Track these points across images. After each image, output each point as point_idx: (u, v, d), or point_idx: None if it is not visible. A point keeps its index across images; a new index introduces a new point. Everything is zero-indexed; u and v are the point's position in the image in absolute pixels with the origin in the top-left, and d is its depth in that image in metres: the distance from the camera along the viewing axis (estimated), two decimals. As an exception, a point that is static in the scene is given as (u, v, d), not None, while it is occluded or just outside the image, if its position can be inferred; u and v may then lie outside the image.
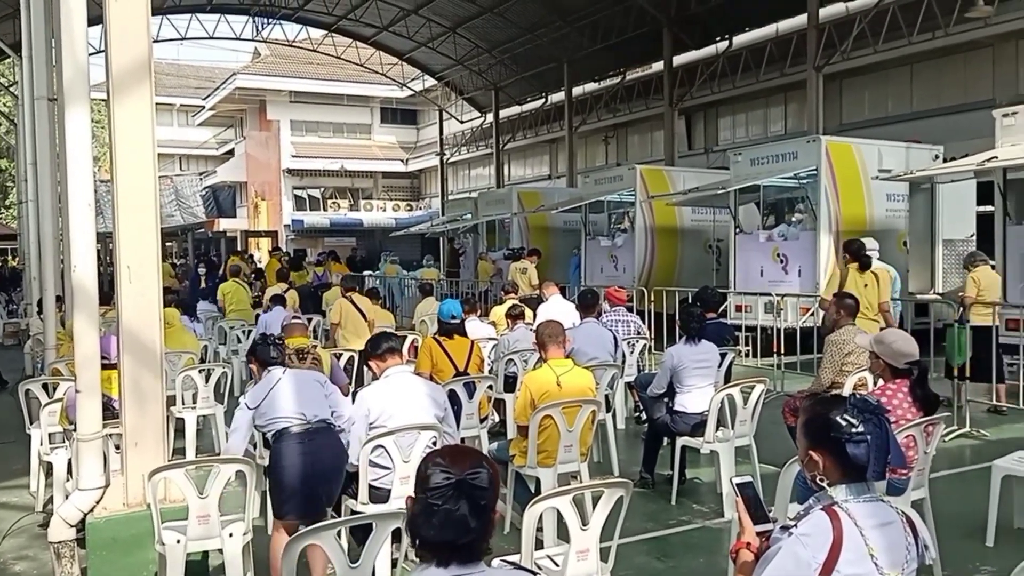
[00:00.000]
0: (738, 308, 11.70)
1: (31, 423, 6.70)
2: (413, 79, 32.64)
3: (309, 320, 10.16)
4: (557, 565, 3.57)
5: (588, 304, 7.80)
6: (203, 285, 16.96)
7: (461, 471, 1.92)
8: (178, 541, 4.02)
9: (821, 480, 2.32)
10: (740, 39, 21.18)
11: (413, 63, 29.58)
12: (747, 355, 10.89)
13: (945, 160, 12.08)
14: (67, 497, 4.82)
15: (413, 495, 1.98)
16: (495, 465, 2.03)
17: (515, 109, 29.47)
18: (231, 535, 4.13)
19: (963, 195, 11.63)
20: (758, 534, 2.47)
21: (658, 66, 22.54)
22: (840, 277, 8.57)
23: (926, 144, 12.74)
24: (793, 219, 12.52)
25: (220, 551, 4.20)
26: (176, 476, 4.15)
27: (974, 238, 11.71)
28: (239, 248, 31.95)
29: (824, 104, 17.62)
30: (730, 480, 2.56)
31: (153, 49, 4.61)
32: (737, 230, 12.87)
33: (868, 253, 8.30)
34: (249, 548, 4.28)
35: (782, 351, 10.25)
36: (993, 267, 9.28)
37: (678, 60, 21.76)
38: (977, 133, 12.19)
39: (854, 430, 2.26)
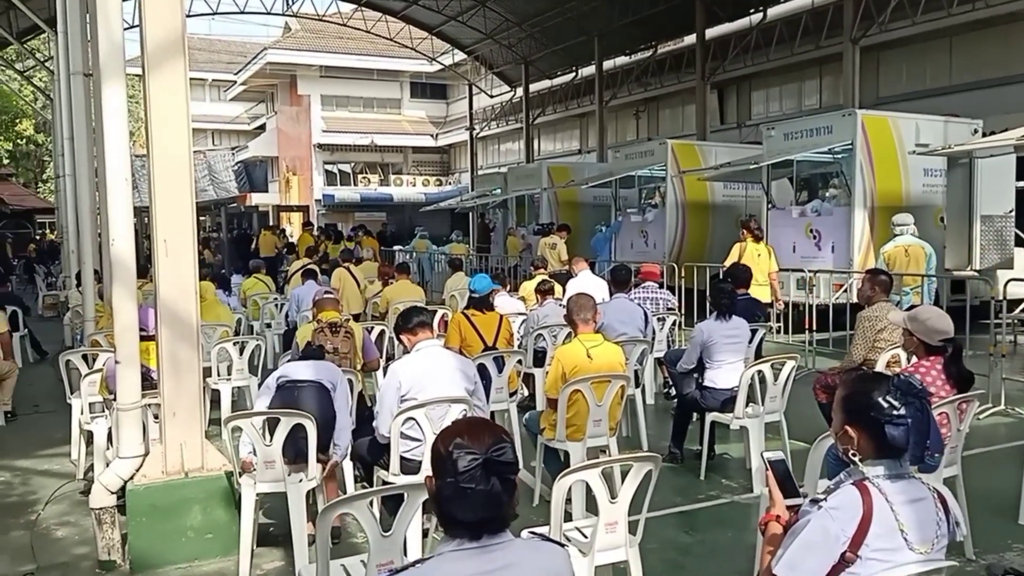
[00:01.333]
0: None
1: (71, 393, 6.85)
2: (443, 53, 32.54)
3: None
4: (586, 537, 3.60)
5: (621, 280, 7.80)
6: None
7: (485, 449, 1.92)
8: (253, 483, 4.48)
9: (854, 455, 2.32)
10: (774, 11, 20.82)
11: (443, 37, 29.46)
12: (778, 331, 10.81)
13: (984, 134, 11.83)
14: (108, 465, 4.94)
15: (434, 475, 1.97)
16: (508, 432, 2.04)
17: (545, 83, 29.29)
18: (300, 480, 4.49)
19: (1002, 170, 11.38)
20: (788, 508, 2.48)
21: (690, 39, 22.25)
22: (740, 250, 10.13)
23: (965, 118, 12.47)
24: (827, 194, 12.35)
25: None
26: (245, 425, 4.46)
27: (1013, 214, 11.48)
28: (271, 223, 32.15)
29: (860, 77, 17.32)
30: (761, 454, 2.57)
31: (186, 24, 4.65)
32: (770, 206, 12.73)
33: (899, 228, 8.40)
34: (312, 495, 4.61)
35: (814, 328, 10.16)
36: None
37: (711, 33, 21.45)
38: (1017, 107, 11.95)
39: (895, 412, 2.25)
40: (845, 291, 10.37)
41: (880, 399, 2.27)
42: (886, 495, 2.22)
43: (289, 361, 5.15)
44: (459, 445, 1.92)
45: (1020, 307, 9.28)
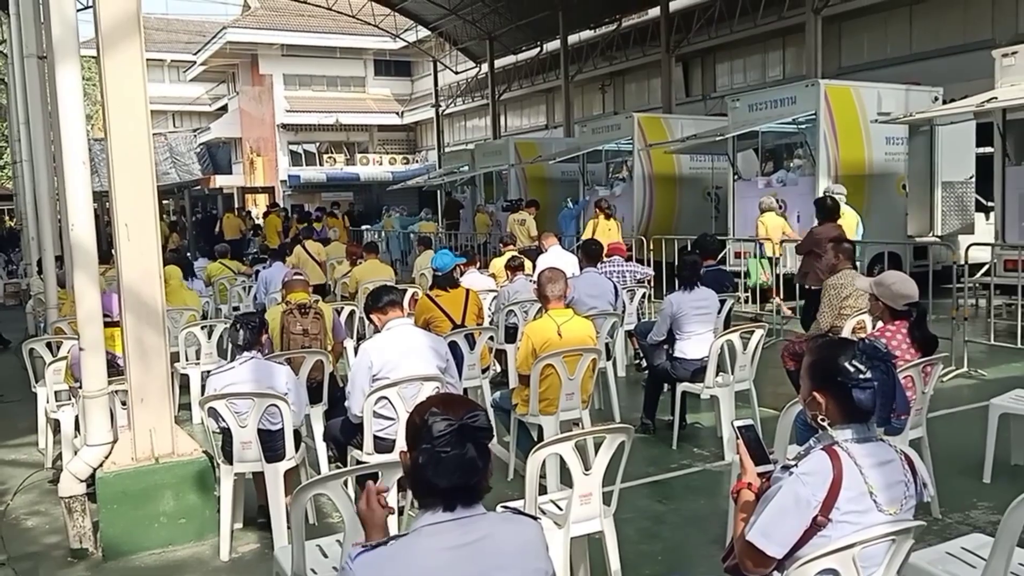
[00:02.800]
0: (737, 255, 11.70)
1: (36, 382, 6.75)
2: (406, 30, 32.15)
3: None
4: (560, 509, 3.63)
5: (592, 254, 7.82)
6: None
7: (460, 416, 1.95)
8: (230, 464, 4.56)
9: (822, 420, 2.35)
10: (738, -18, 20.80)
11: (405, 13, 29.09)
12: (746, 301, 10.92)
13: (945, 102, 11.98)
14: (76, 453, 4.88)
15: (408, 448, 2.00)
16: (481, 405, 2.07)
17: (510, 59, 29.10)
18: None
19: (962, 137, 11.55)
20: (759, 475, 2.51)
21: (654, 12, 22.18)
22: (593, 226, 12.26)
23: (925, 86, 12.61)
24: (792, 164, 12.46)
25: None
26: (220, 407, 4.45)
27: (973, 180, 11.67)
28: (236, 205, 31.76)
29: (823, 48, 17.38)
30: (731, 423, 2.59)
31: (141, 2, 4.54)
32: (736, 177, 12.81)
33: (836, 197, 8.80)
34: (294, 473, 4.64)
35: (781, 297, 10.29)
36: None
37: (674, 6, 21.40)
38: (977, 74, 12.07)
39: (862, 376, 2.28)
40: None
41: (846, 364, 2.30)
42: (855, 458, 2.25)
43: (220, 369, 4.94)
44: (434, 413, 1.95)
45: (981, 271, 9.46)
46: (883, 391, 2.28)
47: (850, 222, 9.28)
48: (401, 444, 4.46)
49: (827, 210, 8.40)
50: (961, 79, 13.77)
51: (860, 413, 2.30)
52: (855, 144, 11.76)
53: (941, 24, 17.66)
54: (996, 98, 9.14)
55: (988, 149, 10.52)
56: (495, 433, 5.97)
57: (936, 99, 12.27)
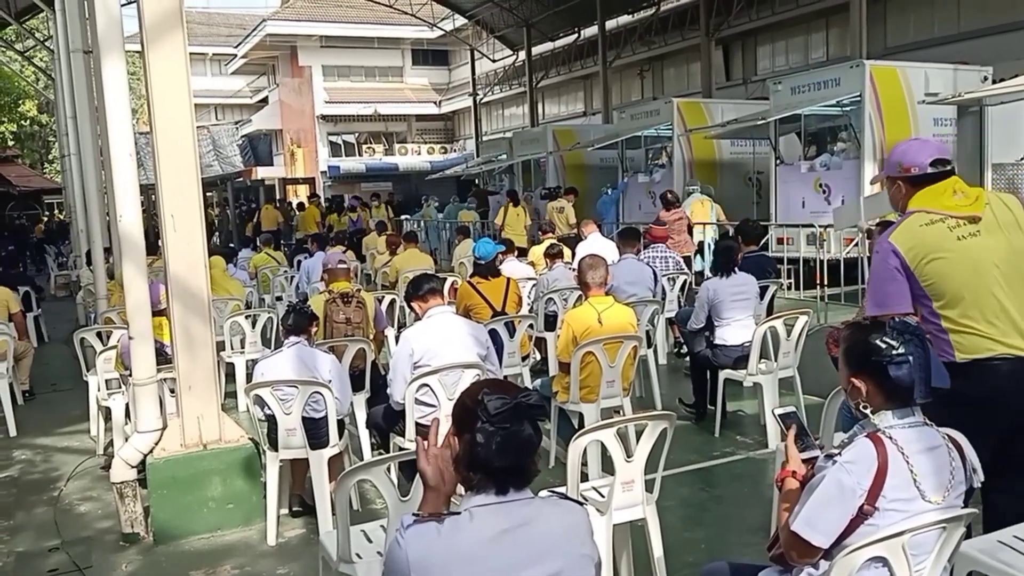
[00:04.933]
0: (779, 240, 11.52)
1: (87, 371, 6.91)
2: (443, 19, 32.15)
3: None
4: (603, 496, 3.62)
5: (629, 240, 7.79)
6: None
7: (514, 395, 1.94)
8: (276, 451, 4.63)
9: (864, 407, 2.32)
10: (779, -37, 20.47)
11: (442, 2, 29.07)
12: (790, 288, 10.77)
13: (994, 81, 11.66)
14: (126, 440, 5.00)
15: (458, 432, 1.96)
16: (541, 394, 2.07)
17: (547, 45, 28.94)
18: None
19: (1013, 117, 11.22)
20: (803, 461, 2.48)
21: (694, -6, 21.92)
22: (504, 212, 14.60)
23: (974, 65, 12.28)
24: (836, 148, 12.21)
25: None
26: (266, 394, 4.50)
27: (1024, 161, 11.35)
28: (277, 196, 32.08)
29: (867, 27, 17.01)
30: (772, 411, 2.57)
31: (184, -4, 4.60)
32: (778, 161, 12.60)
33: (689, 190, 11.98)
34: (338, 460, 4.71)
35: (825, 283, 10.12)
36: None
37: (714, -13, 21.12)
38: (1028, 52, 11.75)
39: (895, 352, 2.25)
40: (856, 245, 10.31)
41: (878, 342, 2.27)
42: (899, 445, 2.22)
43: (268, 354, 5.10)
44: (487, 393, 1.94)
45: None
46: (920, 365, 2.25)
47: (705, 208, 12.00)
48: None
49: (666, 201, 11.20)
50: (1011, 58, 13.39)
51: (900, 392, 2.26)
52: (902, 126, 11.49)
53: (989, 2, 17.17)
54: (1049, 76, 8.87)
55: (1040, 129, 10.24)
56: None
57: (985, 79, 11.95)
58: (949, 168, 3.22)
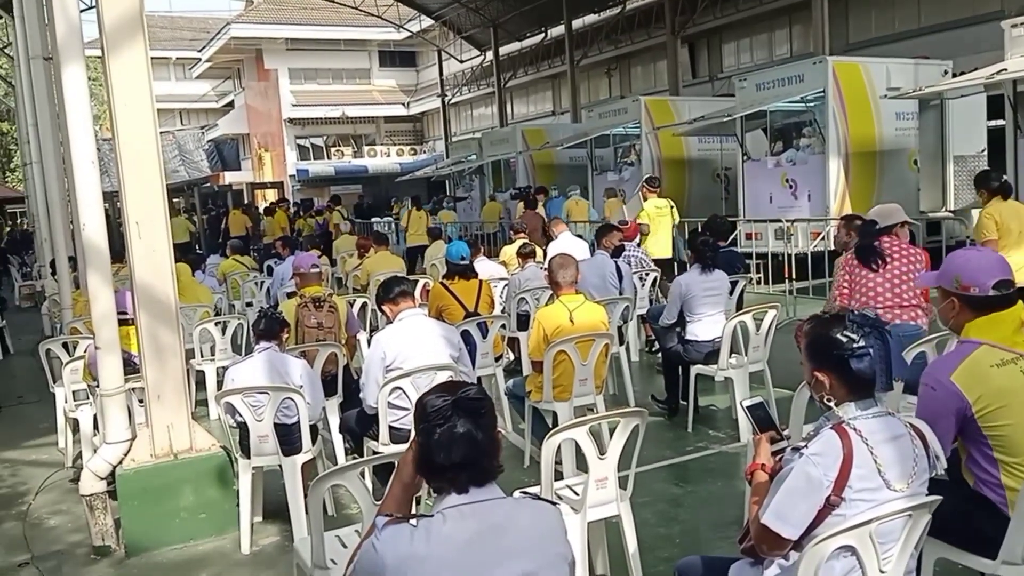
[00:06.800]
0: (748, 236, 11.65)
1: (54, 382, 6.80)
2: (410, 20, 32.04)
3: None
4: (577, 494, 3.64)
5: (600, 236, 7.83)
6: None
7: (454, 392, 1.98)
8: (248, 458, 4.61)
9: (828, 400, 2.36)
10: (742, -40, 20.65)
11: (408, 3, 28.98)
12: (758, 282, 10.88)
13: (954, 75, 11.86)
14: (95, 451, 4.93)
15: (415, 433, 2.02)
16: (483, 389, 2.09)
17: (515, 45, 28.96)
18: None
19: (973, 110, 11.44)
20: (772, 453, 2.51)
21: (659, -7, 22.05)
22: (408, 215, 16.46)
23: (934, 60, 12.49)
24: (801, 143, 12.36)
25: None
26: (236, 401, 4.48)
27: (985, 153, 11.56)
28: (246, 201, 31.79)
29: (830, 24, 17.22)
30: (740, 403, 2.60)
31: (144, 1, 4.54)
32: (745, 157, 12.74)
33: (569, 192, 14.78)
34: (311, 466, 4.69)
35: (794, 276, 10.24)
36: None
37: (679, -14, 21.26)
38: (986, 46, 11.95)
39: (855, 345, 2.29)
40: (823, 239, 10.44)
41: (839, 335, 2.31)
42: (864, 436, 2.26)
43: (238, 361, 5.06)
44: (430, 395, 2.01)
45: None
46: (880, 356, 2.29)
47: (582, 208, 14.28)
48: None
49: (528, 202, 13.43)
50: (970, 52, 13.63)
51: (862, 384, 2.30)
52: (865, 120, 11.66)
53: (949, -3, 17.46)
54: (1006, 70, 9.03)
55: (999, 122, 10.41)
56: (509, 419, 6.01)
57: (946, 73, 12.15)
58: (1013, 292, 2.80)
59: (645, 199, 10.39)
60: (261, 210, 25.61)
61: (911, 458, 2.29)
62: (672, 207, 10.55)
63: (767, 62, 21.34)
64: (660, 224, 10.20)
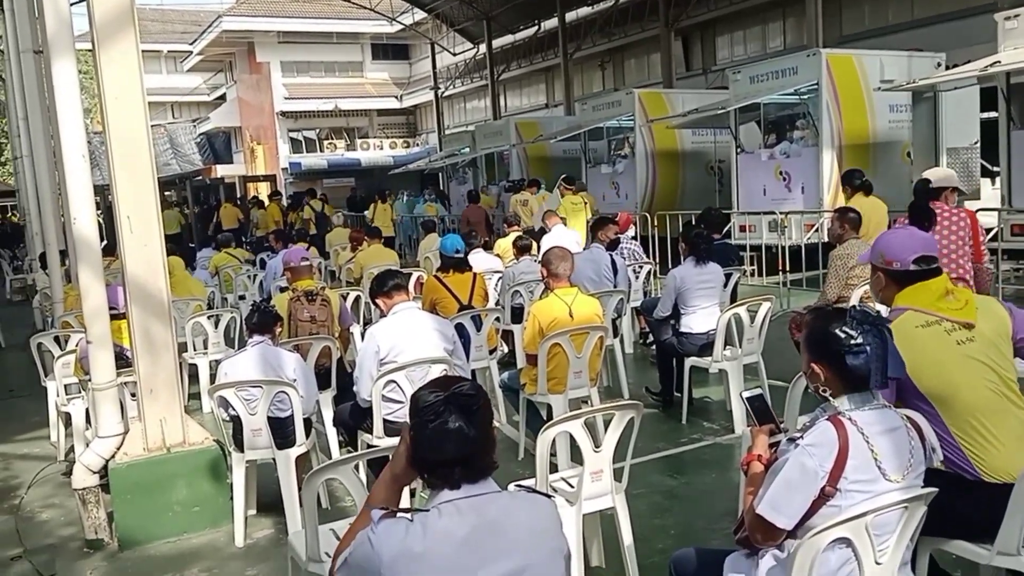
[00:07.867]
0: (742, 228, 11.67)
1: (46, 376, 6.78)
2: (403, 13, 31.95)
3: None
4: (572, 487, 3.63)
5: (596, 229, 7.80)
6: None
7: (448, 388, 1.97)
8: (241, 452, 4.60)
9: (824, 391, 2.36)
10: (735, -47, 20.63)
11: (401, -5, 28.97)
12: (752, 274, 10.90)
13: (947, 68, 11.88)
14: (88, 445, 4.90)
15: (406, 431, 2.02)
16: (479, 385, 2.07)
17: (508, 38, 28.92)
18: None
19: (966, 102, 11.44)
20: (769, 445, 2.51)
21: (652, -15, 22.02)
22: (373, 208, 17.63)
23: (928, 52, 12.50)
24: (795, 136, 12.38)
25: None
26: (230, 395, 4.45)
27: (978, 145, 11.58)
28: (238, 194, 31.66)
29: (823, 17, 17.23)
30: (739, 394, 2.60)
31: (135, -8, 4.51)
32: (739, 150, 12.74)
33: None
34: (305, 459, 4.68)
35: (787, 268, 10.26)
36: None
37: (672, -22, 21.24)
38: (979, 39, 11.98)
39: (853, 342, 2.29)
40: (816, 231, 10.46)
41: (837, 331, 2.31)
42: (860, 427, 2.26)
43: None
44: (423, 390, 2.00)
45: (988, 236, 9.40)
46: (876, 355, 2.29)
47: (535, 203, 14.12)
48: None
49: (471, 197, 14.42)
50: (964, 44, 13.65)
51: (858, 380, 2.30)
52: (858, 113, 11.68)
53: (941, -11, 17.48)
54: (999, 62, 9.06)
55: (992, 114, 10.44)
56: (503, 413, 6.01)
57: (939, 65, 12.17)
58: (934, 267, 2.93)
59: (563, 196, 12.24)
60: (248, 200, 25.49)
61: (907, 450, 2.29)
62: (586, 203, 12.33)
63: (761, 54, 21.33)
64: (576, 218, 11.66)
